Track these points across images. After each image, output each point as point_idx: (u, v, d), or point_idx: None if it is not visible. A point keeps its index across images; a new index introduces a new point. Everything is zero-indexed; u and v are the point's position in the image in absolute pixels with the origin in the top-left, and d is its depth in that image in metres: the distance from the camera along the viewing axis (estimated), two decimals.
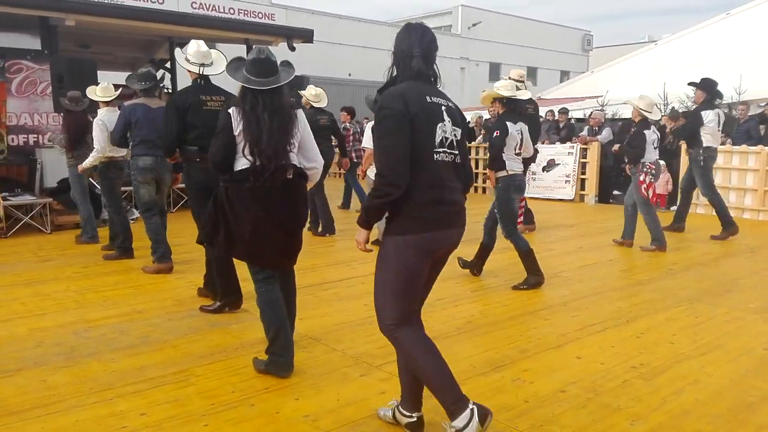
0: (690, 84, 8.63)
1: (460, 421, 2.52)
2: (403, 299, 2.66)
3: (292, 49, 11.95)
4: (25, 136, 9.30)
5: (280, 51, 13.52)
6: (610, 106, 15.56)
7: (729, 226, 8.09)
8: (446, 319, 4.65)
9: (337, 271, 6.27)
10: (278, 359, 3.56)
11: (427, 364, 2.65)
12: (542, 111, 14.26)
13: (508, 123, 5.49)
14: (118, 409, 3.14)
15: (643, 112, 7.09)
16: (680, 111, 11.87)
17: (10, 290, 5.47)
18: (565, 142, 12.63)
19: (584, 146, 12.20)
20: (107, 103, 6.77)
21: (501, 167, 5.51)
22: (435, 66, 2.74)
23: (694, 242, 7.91)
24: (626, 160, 7.38)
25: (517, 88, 5.87)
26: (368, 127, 6.91)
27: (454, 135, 2.66)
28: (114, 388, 3.40)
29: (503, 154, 5.49)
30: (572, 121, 13.97)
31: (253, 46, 3.85)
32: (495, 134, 5.50)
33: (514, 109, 5.64)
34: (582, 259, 6.95)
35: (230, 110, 3.46)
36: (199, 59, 4.76)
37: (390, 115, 2.53)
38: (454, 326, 4.51)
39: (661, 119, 11.42)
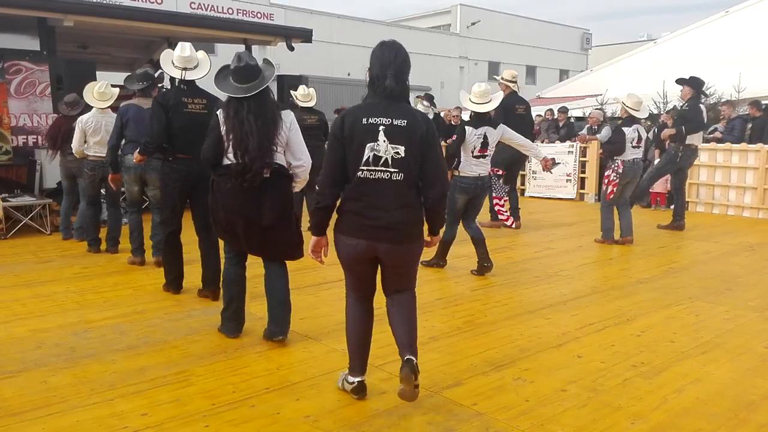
0: (678, 81, 8.68)
1: (350, 379, 3.27)
2: (347, 279, 3.25)
3: (291, 48, 11.96)
4: (25, 137, 9.29)
5: (279, 50, 13.55)
6: (609, 105, 15.54)
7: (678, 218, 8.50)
8: (446, 319, 4.65)
9: (337, 270, 6.19)
10: (226, 323, 4.23)
11: (349, 329, 3.26)
12: (541, 110, 14.30)
13: (468, 128, 5.83)
14: (119, 410, 3.14)
15: (629, 109, 7.23)
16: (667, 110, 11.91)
17: (10, 291, 5.47)
18: (564, 141, 12.63)
19: (584, 145, 12.19)
20: (101, 109, 6.86)
21: (453, 167, 5.82)
22: (407, 83, 3.00)
23: (694, 240, 7.91)
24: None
25: (515, 85, 6.05)
26: None
27: (395, 153, 2.87)
28: (115, 388, 3.40)
29: (461, 156, 5.82)
30: (572, 120, 13.97)
31: (235, 53, 3.91)
32: (453, 138, 5.91)
33: (480, 116, 5.88)
34: (582, 257, 6.95)
35: (218, 112, 3.84)
36: (182, 63, 4.82)
37: (331, 134, 3.00)
38: (455, 326, 4.51)
39: (660, 117, 11.45)
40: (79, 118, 6.86)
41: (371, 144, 2.86)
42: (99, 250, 7.02)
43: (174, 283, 5.32)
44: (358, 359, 3.25)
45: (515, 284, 5.71)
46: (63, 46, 10.78)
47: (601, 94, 16.41)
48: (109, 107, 6.89)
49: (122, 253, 6.78)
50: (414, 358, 2.98)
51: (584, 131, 12.58)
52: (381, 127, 2.86)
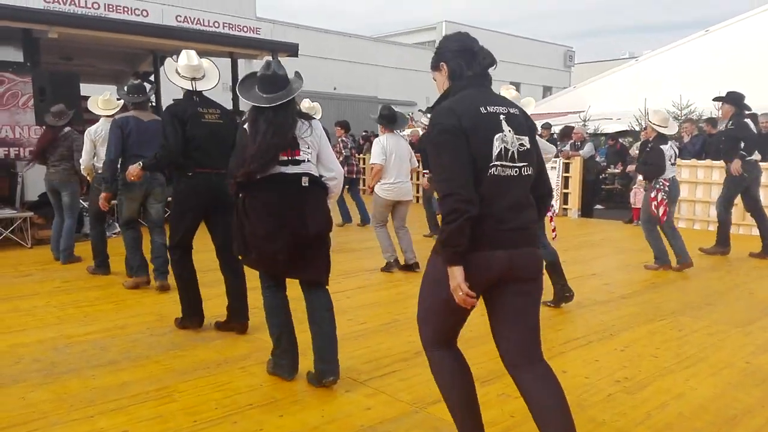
0: (716, 99, 8.36)
1: None
2: (442, 322, 2.57)
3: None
4: (6, 149, 9.17)
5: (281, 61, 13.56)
6: (592, 121, 15.73)
7: (723, 244, 8.06)
8: None
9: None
10: (279, 361, 3.74)
11: (457, 394, 2.64)
12: None
13: None
14: (99, 426, 3.10)
15: (656, 127, 6.94)
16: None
17: None
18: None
19: (567, 161, 12.32)
20: (108, 117, 6.59)
21: None
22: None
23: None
24: (641, 177, 7.16)
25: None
26: (376, 142, 6.82)
27: (521, 145, 2.38)
28: (95, 404, 3.35)
29: None
30: (555, 136, 14.12)
31: (266, 59, 3.76)
32: None
33: None
34: (565, 272, 6.96)
35: (246, 126, 3.53)
36: (190, 73, 4.55)
37: (443, 130, 2.31)
38: None
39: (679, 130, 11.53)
40: (89, 129, 6.55)
41: (500, 134, 2.33)
42: (108, 273, 6.58)
43: (195, 317, 4.71)
44: (475, 424, 2.59)
45: None
46: (47, 58, 10.71)
47: (583, 111, 16.60)
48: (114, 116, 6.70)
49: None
50: None
51: (567, 147, 12.71)
52: (501, 116, 2.37)
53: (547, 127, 13.90)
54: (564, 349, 4.33)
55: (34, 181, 8.70)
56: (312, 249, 3.58)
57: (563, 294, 5.42)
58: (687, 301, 5.67)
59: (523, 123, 2.43)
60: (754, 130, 7.97)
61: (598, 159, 13.28)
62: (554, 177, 12.39)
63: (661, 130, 6.95)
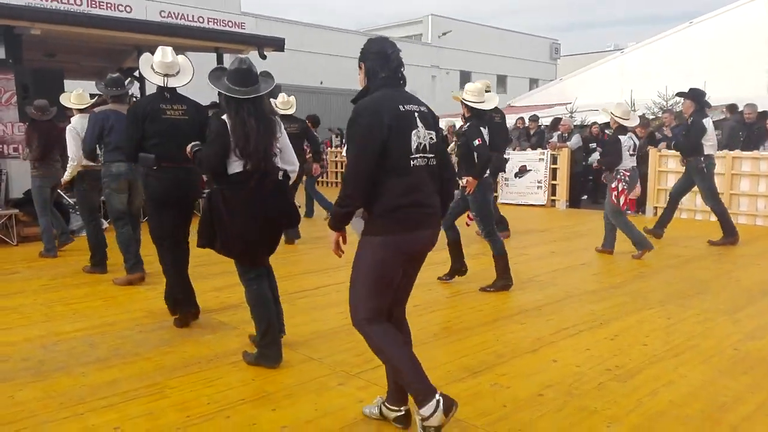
0: (678, 94, 8.63)
1: (426, 410, 2.66)
2: (376, 297, 2.80)
3: (263, 57, 11.91)
4: None
5: (251, 59, 13.48)
6: (578, 113, 15.79)
7: (730, 234, 8.14)
8: (423, 326, 4.64)
9: (312, 279, 6.23)
10: (267, 351, 3.81)
11: (394, 356, 2.82)
12: (513, 118, 14.45)
13: (482, 129, 5.56)
14: (90, 424, 3.07)
15: (618, 119, 7.10)
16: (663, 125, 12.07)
17: None
18: (535, 149, 12.79)
19: (554, 152, 12.36)
20: (81, 111, 6.55)
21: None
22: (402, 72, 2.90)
23: (665, 245, 8.03)
24: (603, 168, 7.37)
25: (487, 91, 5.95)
26: None
27: (429, 139, 2.80)
28: (85, 402, 3.32)
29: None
30: (542, 128, 14.16)
31: (237, 56, 3.86)
32: (478, 142, 5.46)
33: (480, 115, 5.68)
34: (554, 263, 7.02)
35: (223, 117, 3.65)
36: (164, 69, 4.60)
37: (364, 124, 2.70)
38: (431, 333, 4.51)
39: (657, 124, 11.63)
40: (71, 126, 6.42)
41: (415, 130, 2.75)
42: (105, 272, 6.43)
43: (189, 307, 4.71)
44: (424, 379, 2.77)
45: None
46: (30, 55, 10.58)
47: (570, 103, 16.65)
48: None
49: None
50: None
51: (555, 139, 12.76)
52: (416, 113, 2.79)
53: (534, 119, 13.94)
54: (554, 339, 4.35)
55: (19, 178, 8.61)
56: (280, 234, 3.92)
57: (461, 269, 6.09)
58: (675, 290, 5.71)
59: (430, 119, 2.84)
60: (710, 127, 8.18)
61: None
62: (542, 168, 12.44)
63: (623, 122, 7.12)
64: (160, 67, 4.62)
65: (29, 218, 8.37)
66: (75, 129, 6.35)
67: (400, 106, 2.74)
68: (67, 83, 9.96)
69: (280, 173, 3.80)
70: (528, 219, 10.79)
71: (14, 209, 8.29)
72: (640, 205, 10.88)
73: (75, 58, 12.63)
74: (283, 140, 3.88)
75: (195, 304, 4.74)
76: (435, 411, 2.63)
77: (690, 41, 17.51)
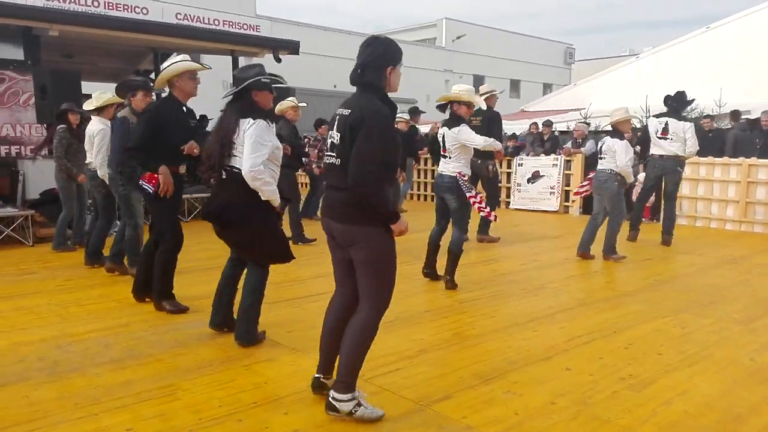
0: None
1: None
2: (391, 285, 3.16)
3: (278, 60, 11.96)
4: (7, 147, 9.17)
5: (266, 62, 13.51)
6: (593, 119, 15.69)
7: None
8: (435, 331, 4.63)
9: (324, 283, 6.20)
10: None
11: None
12: (526, 124, 14.39)
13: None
14: (103, 425, 3.09)
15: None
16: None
17: None
18: (549, 154, 12.73)
19: (568, 158, 12.29)
20: (100, 112, 6.64)
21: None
22: (368, 71, 3.11)
23: (677, 253, 7.97)
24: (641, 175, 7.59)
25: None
26: None
27: (334, 139, 3.08)
28: (99, 402, 3.35)
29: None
30: (556, 134, 14.09)
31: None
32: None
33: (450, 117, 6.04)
34: (568, 270, 6.98)
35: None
36: None
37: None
38: (443, 338, 4.50)
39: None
40: (104, 128, 6.54)
41: (331, 131, 3.11)
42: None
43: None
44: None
45: (503, 296, 5.72)
46: (48, 56, 10.70)
47: (584, 108, 16.56)
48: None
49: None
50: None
51: (569, 144, 12.69)
52: (338, 116, 3.10)
53: (548, 124, 13.87)
54: (568, 347, 4.32)
55: (36, 179, 8.69)
56: (227, 229, 4.15)
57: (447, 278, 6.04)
58: (690, 299, 5.66)
59: (343, 122, 3.02)
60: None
61: None
62: (555, 174, 12.38)
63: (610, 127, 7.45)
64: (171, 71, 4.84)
65: (45, 219, 8.46)
66: (102, 129, 6.50)
67: (338, 110, 3.16)
68: (85, 85, 10.02)
69: (223, 173, 4.05)
70: (540, 225, 10.74)
71: (30, 210, 8.38)
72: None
73: (92, 59, 12.74)
74: (245, 141, 3.97)
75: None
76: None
77: (706, 46, 17.35)
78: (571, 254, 7.91)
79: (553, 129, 13.96)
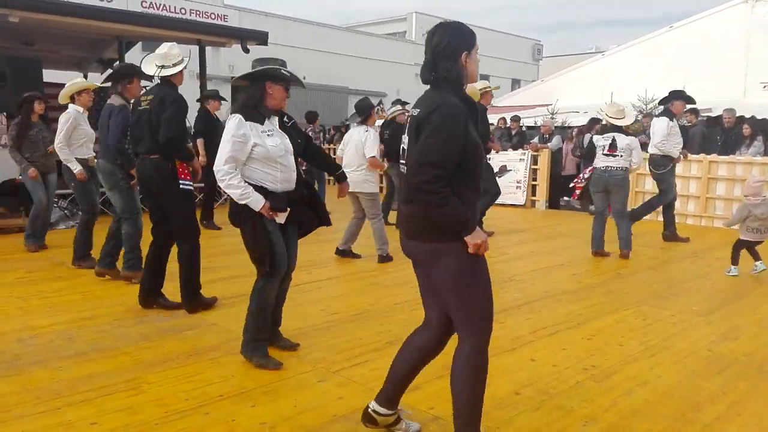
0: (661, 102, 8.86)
1: None
2: (489, 309, 2.72)
3: (246, 51, 11.83)
4: None
5: (233, 53, 13.35)
6: (559, 115, 15.90)
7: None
8: (403, 323, 4.65)
9: (294, 276, 6.20)
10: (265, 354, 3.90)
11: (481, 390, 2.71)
12: (494, 118, 14.53)
13: None
14: (66, 419, 3.04)
15: (611, 119, 7.25)
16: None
17: None
18: (516, 149, 12.88)
19: (535, 153, 12.46)
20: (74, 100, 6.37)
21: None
22: (432, 66, 2.65)
23: (641, 247, 8.13)
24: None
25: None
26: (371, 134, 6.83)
27: (404, 144, 2.72)
28: (62, 396, 3.29)
29: None
30: (524, 129, 14.25)
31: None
32: None
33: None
34: (534, 263, 7.08)
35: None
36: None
37: (460, 123, 2.54)
38: (410, 330, 4.52)
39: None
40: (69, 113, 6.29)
41: (404, 136, 2.71)
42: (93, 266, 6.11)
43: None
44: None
45: None
46: (7, 43, 10.41)
47: (551, 104, 16.76)
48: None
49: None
50: None
51: (536, 140, 12.85)
52: (410, 118, 2.70)
53: (516, 119, 14.02)
54: (533, 338, 4.40)
55: None
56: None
57: None
58: (651, 291, 5.80)
59: (412, 123, 2.63)
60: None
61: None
62: (522, 169, 12.53)
63: (615, 122, 7.26)
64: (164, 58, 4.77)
65: (5, 210, 8.25)
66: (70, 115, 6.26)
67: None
68: (46, 73, 9.78)
69: None
70: (507, 219, 10.85)
71: None
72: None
73: (54, 47, 12.42)
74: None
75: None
76: None
77: (670, 45, 17.68)
78: (537, 248, 8.03)
79: (521, 124, 14.11)
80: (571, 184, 7.76)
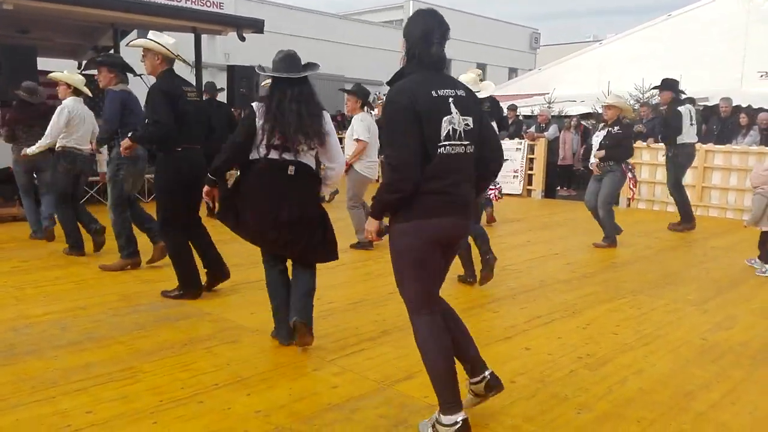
0: (654, 88, 8.86)
1: (447, 420, 2.69)
2: (414, 284, 2.76)
3: (242, 39, 11.75)
4: None
5: (229, 40, 13.22)
6: (556, 104, 15.87)
7: (687, 221, 8.53)
8: (398, 312, 4.65)
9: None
10: (279, 331, 3.95)
11: (430, 358, 2.76)
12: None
13: None
14: (61, 408, 3.04)
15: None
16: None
17: None
18: (513, 138, 12.86)
19: (532, 142, 12.44)
20: (75, 92, 6.31)
21: None
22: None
23: (636, 236, 8.15)
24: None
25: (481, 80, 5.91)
26: (358, 119, 6.81)
27: (465, 125, 2.68)
28: (57, 385, 3.29)
29: None
30: (520, 118, 14.22)
31: (279, 50, 3.91)
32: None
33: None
34: (529, 252, 7.09)
35: (254, 104, 3.75)
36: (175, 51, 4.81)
37: (400, 109, 2.60)
38: (406, 319, 4.42)
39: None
40: (63, 104, 6.21)
41: (448, 117, 2.63)
42: (84, 254, 6.32)
43: (191, 288, 4.91)
44: (453, 391, 2.74)
45: None
46: (1, 31, 10.33)
47: (548, 93, 16.73)
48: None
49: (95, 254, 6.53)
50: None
51: (532, 129, 12.84)
52: (450, 99, 2.66)
53: (513, 108, 13.99)
54: (527, 327, 4.41)
55: None
56: (295, 232, 3.77)
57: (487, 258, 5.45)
58: (646, 280, 5.81)
59: (469, 105, 2.71)
60: (690, 116, 8.42)
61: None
62: (519, 158, 12.52)
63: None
64: (174, 48, 4.78)
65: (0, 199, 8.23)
66: (67, 108, 6.17)
67: (433, 91, 2.63)
68: (41, 61, 9.71)
69: (291, 168, 3.71)
70: (503, 208, 10.84)
71: None
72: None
73: (49, 35, 12.32)
74: (331, 136, 3.86)
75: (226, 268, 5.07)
76: (453, 428, 2.67)
77: (668, 34, 17.64)
78: (533, 237, 8.03)
79: (518, 113, 14.08)
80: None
